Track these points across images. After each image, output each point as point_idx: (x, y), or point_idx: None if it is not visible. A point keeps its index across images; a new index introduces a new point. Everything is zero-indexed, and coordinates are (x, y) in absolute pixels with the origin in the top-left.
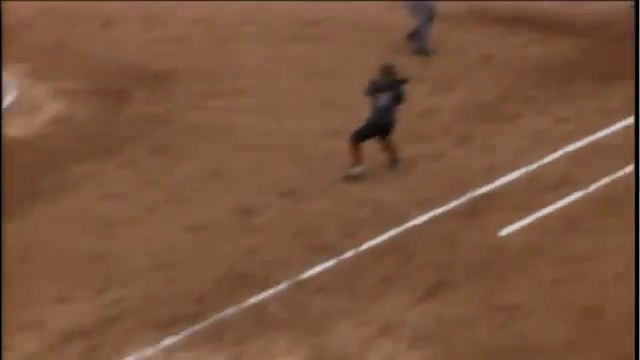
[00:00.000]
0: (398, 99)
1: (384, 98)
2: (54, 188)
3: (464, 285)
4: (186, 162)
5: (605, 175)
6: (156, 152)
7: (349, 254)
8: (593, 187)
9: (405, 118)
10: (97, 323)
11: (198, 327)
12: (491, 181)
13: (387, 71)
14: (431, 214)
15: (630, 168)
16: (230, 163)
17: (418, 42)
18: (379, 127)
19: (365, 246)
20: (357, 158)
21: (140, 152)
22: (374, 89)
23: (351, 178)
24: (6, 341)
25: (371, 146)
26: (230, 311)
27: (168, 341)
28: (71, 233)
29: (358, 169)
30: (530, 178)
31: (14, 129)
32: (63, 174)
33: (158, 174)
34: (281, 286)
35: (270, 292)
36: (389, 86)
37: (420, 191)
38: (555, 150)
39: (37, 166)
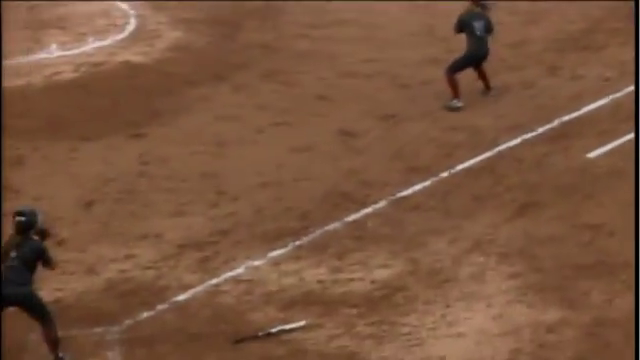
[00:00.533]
0: (489, 29)
1: (479, 29)
2: (171, 110)
3: (551, 205)
4: (293, 87)
5: None
6: (265, 78)
7: (444, 175)
8: None
9: (498, 48)
10: (210, 235)
11: (302, 241)
12: (578, 108)
13: (475, 3)
14: (521, 138)
15: None
16: (334, 89)
17: None
18: (476, 58)
19: (459, 168)
20: (455, 91)
21: (251, 78)
22: (459, 25)
23: (450, 109)
24: (127, 250)
25: (466, 74)
26: (332, 226)
27: (275, 253)
28: (186, 152)
29: (458, 103)
30: (615, 105)
31: (135, 55)
32: (179, 97)
33: (267, 98)
34: (380, 204)
35: (369, 209)
36: (477, 17)
37: (511, 117)
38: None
39: (156, 89)
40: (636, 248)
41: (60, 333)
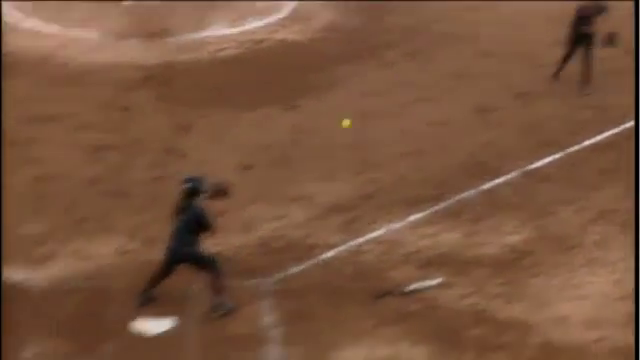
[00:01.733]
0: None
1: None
2: (322, 85)
3: None
4: (434, 66)
5: None
6: (408, 57)
7: (572, 149)
8: None
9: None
10: (355, 199)
11: (439, 207)
12: None
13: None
14: None
15: None
16: (471, 67)
17: None
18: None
19: (586, 143)
20: (586, 77)
21: (395, 56)
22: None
23: (582, 94)
24: (280, 211)
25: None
26: (467, 194)
27: (413, 217)
28: (334, 123)
29: (589, 90)
30: None
31: (292, 34)
32: (330, 73)
33: (410, 75)
34: (512, 174)
35: (502, 179)
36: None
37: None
38: None
39: (309, 66)
40: (636, 248)
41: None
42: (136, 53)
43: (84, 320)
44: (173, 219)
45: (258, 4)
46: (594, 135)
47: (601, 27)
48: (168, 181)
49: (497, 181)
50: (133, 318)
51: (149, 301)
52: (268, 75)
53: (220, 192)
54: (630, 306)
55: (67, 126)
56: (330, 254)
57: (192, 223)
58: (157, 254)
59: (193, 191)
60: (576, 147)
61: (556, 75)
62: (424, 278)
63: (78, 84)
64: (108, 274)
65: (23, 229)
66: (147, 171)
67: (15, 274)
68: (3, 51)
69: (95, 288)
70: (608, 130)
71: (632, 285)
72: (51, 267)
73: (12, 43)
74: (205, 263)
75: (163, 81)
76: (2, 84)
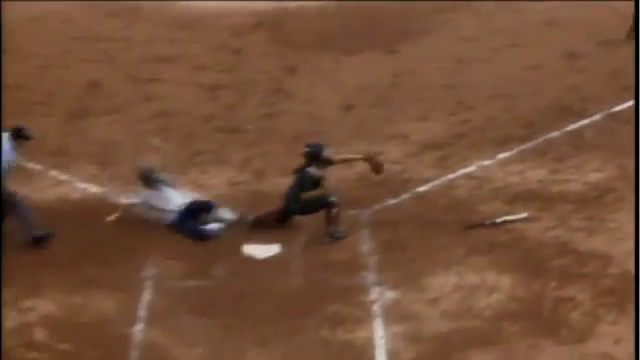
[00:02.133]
0: None
1: None
2: (420, 31)
3: None
4: (527, 14)
5: None
6: (501, 6)
7: None
8: None
9: None
10: (448, 138)
11: (527, 146)
12: None
13: None
14: None
15: None
16: (561, 15)
17: None
18: None
19: None
20: None
21: (489, 5)
22: None
23: None
24: (378, 147)
25: None
26: (553, 134)
27: (502, 155)
28: (431, 67)
29: None
30: None
31: None
32: (428, 21)
33: (503, 23)
34: (596, 116)
35: (586, 121)
36: None
37: None
38: None
39: (408, 14)
40: (636, 247)
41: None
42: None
43: (197, 244)
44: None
45: None
46: None
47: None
48: (276, 118)
49: (582, 122)
50: (243, 243)
51: (260, 226)
52: (370, 22)
53: (377, 166)
54: None
55: (185, 66)
56: (424, 188)
57: (299, 185)
58: (265, 185)
59: (312, 155)
60: None
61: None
62: (511, 212)
63: (195, 28)
64: (220, 203)
65: (146, 158)
66: (257, 109)
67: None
68: (3, 51)
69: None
70: None
71: None
72: None
73: None
74: (320, 208)
75: (273, 26)
76: (2, 84)
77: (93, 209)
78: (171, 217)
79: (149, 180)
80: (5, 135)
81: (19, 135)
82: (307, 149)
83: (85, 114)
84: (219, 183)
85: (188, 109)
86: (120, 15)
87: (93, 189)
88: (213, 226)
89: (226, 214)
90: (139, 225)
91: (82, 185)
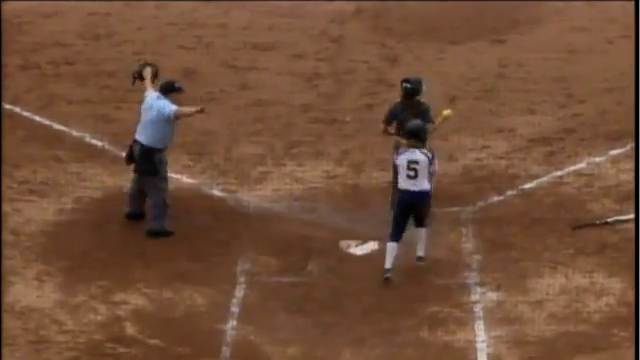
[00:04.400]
0: None
1: None
2: (529, 20)
3: None
4: None
5: None
6: None
7: None
8: None
9: None
10: (557, 133)
11: None
12: None
13: None
14: None
15: None
16: None
17: None
18: None
19: None
20: None
21: None
22: None
23: None
24: (483, 141)
25: None
26: None
27: (614, 152)
28: (540, 58)
29: None
30: None
31: None
32: (536, 9)
33: (617, 12)
34: None
35: None
36: None
37: None
38: None
39: (515, 2)
40: (636, 249)
41: None
42: None
43: (293, 239)
44: (394, 123)
45: None
46: None
47: None
48: (377, 109)
49: None
50: (339, 239)
51: None
52: (475, 10)
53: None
54: None
55: (284, 54)
56: (531, 185)
57: (423, 118)
58: (363, 179)
59: (413, 91)
60: None
61: None
62: (623, 211)
63: (294, 15)
64: (317, 197)
65: (241, 149)
66: (357, 100)
67: (232, 192)
68: (3, 51)
69: (304, 209)
70: None
71: None
72: (265, 187)
73: None
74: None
75: (374, 14)
76: (2, 85)
77: (187, 201)
78: None
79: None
80: (154, 95)
81: (170, 90)
82: (407, 85)
83: (179, 103)
84: (316, 176)
85: (285, 99)
86: (216, 1)
87: (187, 180)
88: None
89: None
90: (233, 217)
91: (176, 176)
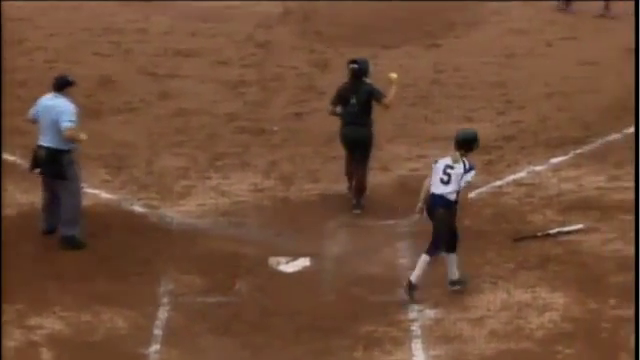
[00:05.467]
0: None
1: None
2: (465, 23)
3: None
4: (585, 4)
5: None
6: None
7: None
8: None
9: None
10: (496, 140)
11: (583, 149)
12: None
13: None
14: None
15: None
16: (621, 5)
17: None
18: None
19: None
20: None
21: None
22: None
23: None
24: (419, 150)
25: None
26: (613, 137)
27: (556, 160)
28: (477, 62)
29: None
30: None
31: None
32: (473, 11)
33: (557, 13)
34: None
35: None
36: None
37: None
38: None
39: (451, 3)
40: (636, 249)
41: (356, 222)
42: None
43: (219, 257)
44: (342, 103)
45: None
46: None
47: None
48: (306, 118)
49: None
50: (268, 256)
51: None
52: (410, 12)
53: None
54: None
55: (207, 61)
56: (469, 196)
57: (365, 102)
58: (293, 192)
59: (360, 72)
60: None
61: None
62: (566, 222)
63: (218, 20)
64: (244, 211)
65: (163, 161)
66: (285, 108)
67: (154, 207)
68: (3, 52)
69: (231, 225)
70: None
71: None
72: (189, 202)
73: None
74: (369, 149)
75: (303, 17)
76: (2, 85)
77: (105, 217)
78: None
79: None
80: (48, 96)
81: (65, 85)
82: (354, 65)
83: (96, 113)
84: (243, 189)
85: (209, 108)
86: (134, 4)
87: (105, 195)
88: None
89: None
90: (156, 235)
91: (93, 191)
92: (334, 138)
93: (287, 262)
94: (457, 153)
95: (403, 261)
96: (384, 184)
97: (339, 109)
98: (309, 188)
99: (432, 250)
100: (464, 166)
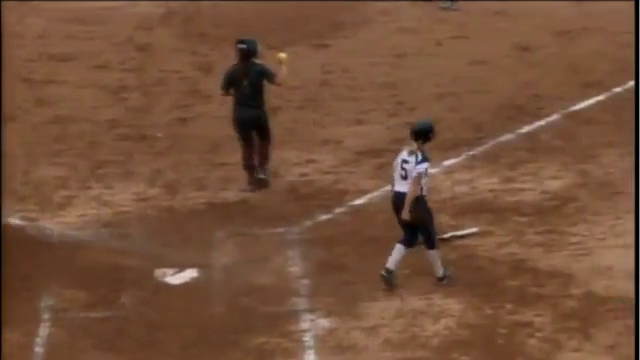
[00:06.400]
0: None
1: None
2: (353, 23)
3: None
4: (474, 2)
5: None
6: None
7: (617, 90)
8: None
9: None
10: (387, 143)
11: (476, 151)
12: None
13: None
14: None
15: None
16: (511, 4)
17: None
18: None
19: (631, 83)
20: None
21: None
22: None
23: None
24: (309, 155)
25: None
26: (505, 138)
27: (449, 162)
28: (367, 63)
29: None
30: None
31: None
32: (361, 10)
33: (445, 12)
34: (553, 117)
35: (543, 122)
36: None
37: None
38: None
39: (339, 3)
40: (636, 250)
41: (245, 230)
42: None
43: (102, 270)
44: (235, 86)
45: None
46: None
47: None
48: (191, 123)
49: (537, 124)
50: (154, 268)
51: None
52: (297, 12)
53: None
54: None
55: (85, 66)
56: (361, 201)
57: (257, 82)
58: (178, 201)
59: (249, 52)
60: (620, 88)
61: None
62: (460, 226)
63: (96, 22)
64: (128, 222)
65: (41, 171)
66: (169, 113)
67: (32, 220)
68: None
69: (114, 236)
70: None
71: None
72: (69, 213)
73: None
74: (267, 128)
75: (185, 18)
76: (2, 86)
77: None
78: None
79: None
80: None
81: None
82: (242, 46)
83: None
84: (126, 199)
85: (88, 114)
86: (7, 6)
87: None
88: None
89: None
90: (35, 248)
91: None
92: (220, 144)
93: (174, 274)
94: (414, 144)
95: (294, 269)
96: (273, 190)
97: (232, 91)
98: (195, 196)
99: (430, 247)
100: (416, 158)
